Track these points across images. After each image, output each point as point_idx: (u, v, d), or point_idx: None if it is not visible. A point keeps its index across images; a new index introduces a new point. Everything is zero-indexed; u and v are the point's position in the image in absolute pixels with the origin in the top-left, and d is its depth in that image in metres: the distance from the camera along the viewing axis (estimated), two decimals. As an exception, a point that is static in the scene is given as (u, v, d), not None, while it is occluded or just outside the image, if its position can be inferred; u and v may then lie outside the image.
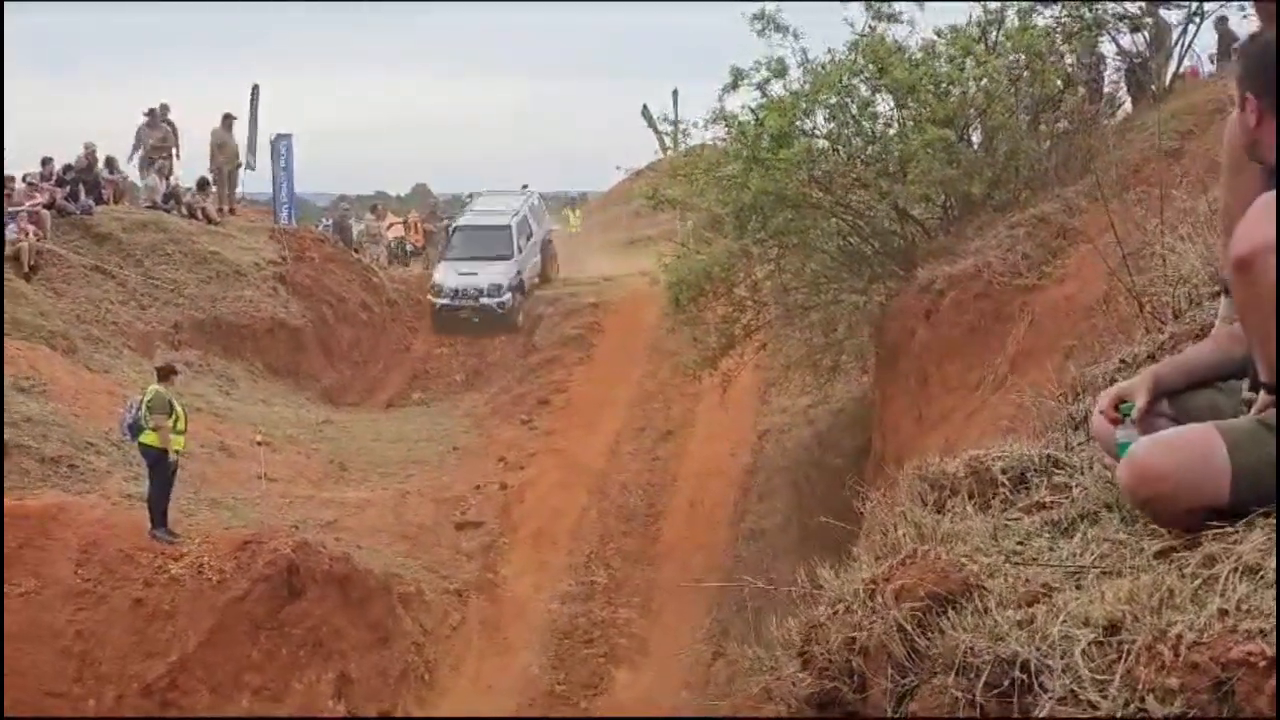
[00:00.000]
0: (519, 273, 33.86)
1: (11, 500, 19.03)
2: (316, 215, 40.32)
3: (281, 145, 35.68)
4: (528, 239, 35.17)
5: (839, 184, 18.71)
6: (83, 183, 29.83)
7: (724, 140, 20.87)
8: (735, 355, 21.55)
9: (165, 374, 19.51)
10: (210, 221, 31.89)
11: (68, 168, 30.05)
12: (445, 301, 32.82)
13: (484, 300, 32.60)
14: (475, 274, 32.90)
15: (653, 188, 29.23)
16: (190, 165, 33.67)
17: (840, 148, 19.09)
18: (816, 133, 19.17)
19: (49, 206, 28.03)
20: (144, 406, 18.75)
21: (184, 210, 31.69)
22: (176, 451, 18.69)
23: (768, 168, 18.23)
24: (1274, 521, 3.20)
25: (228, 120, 33.96)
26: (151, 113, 32.15)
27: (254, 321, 29.55)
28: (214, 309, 28.87)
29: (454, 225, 37.40)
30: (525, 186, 39.24)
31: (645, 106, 45.13)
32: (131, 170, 32.26)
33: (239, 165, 34.23)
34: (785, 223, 18.76)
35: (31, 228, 26.81)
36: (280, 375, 29.04)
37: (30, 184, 28.68)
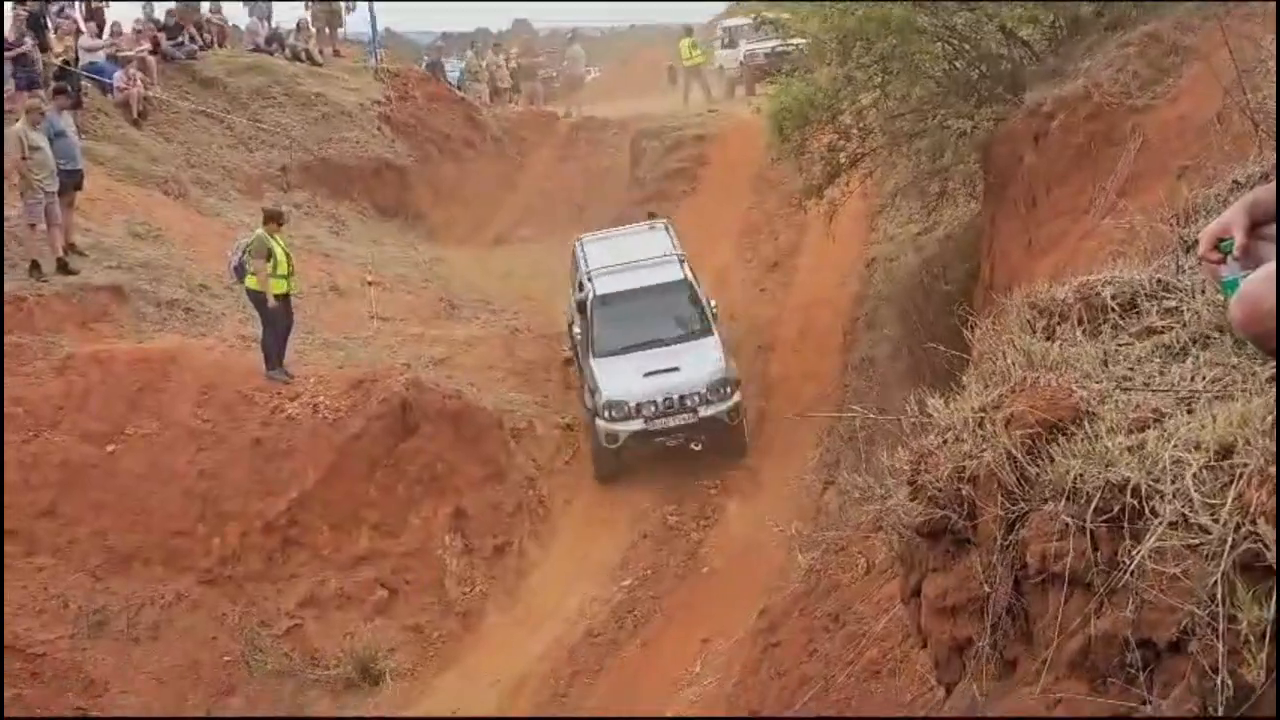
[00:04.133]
0: (731, 352, 20.41)
1: (130, 344, 19.41)
2: (417, 55, 39.93)
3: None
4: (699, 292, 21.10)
5: (944, 6, 18.38)
6: (188, 27, 29.94)
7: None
8: (841, 184, 21.34)
9: (268, 218, 19.62)
10: (314, 63, 31.94)
11: (170, 12, 30.14)
12: (637, 427, 19.09)
13: (705, 411, 19.08)
14: (676, 369, 19.33)
15: (753, 12, 28.96)
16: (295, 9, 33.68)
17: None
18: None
19: (154, 52, 28.16)
20: (245, 251, 19.00)
21: (287, 53, 31.75)
22: (274, 294, 18.89)
23: (872, -9, 18.06)
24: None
25: (325, -39, 33.90)
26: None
27: (361, 162, 29.67)
28: (321, 150, 29.02)
29: (592, 294, 20.63)
30: (652, 215, 24.16)
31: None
32: (234, 12, 32.31)
33: (341, 10, 34.11)
34: (890, 48, 18.52)
35: (139, 74, 26.97)
36: (388, 215, 29.20)
37: (137, 30, 28.80)
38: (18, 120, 20.71)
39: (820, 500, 17.69)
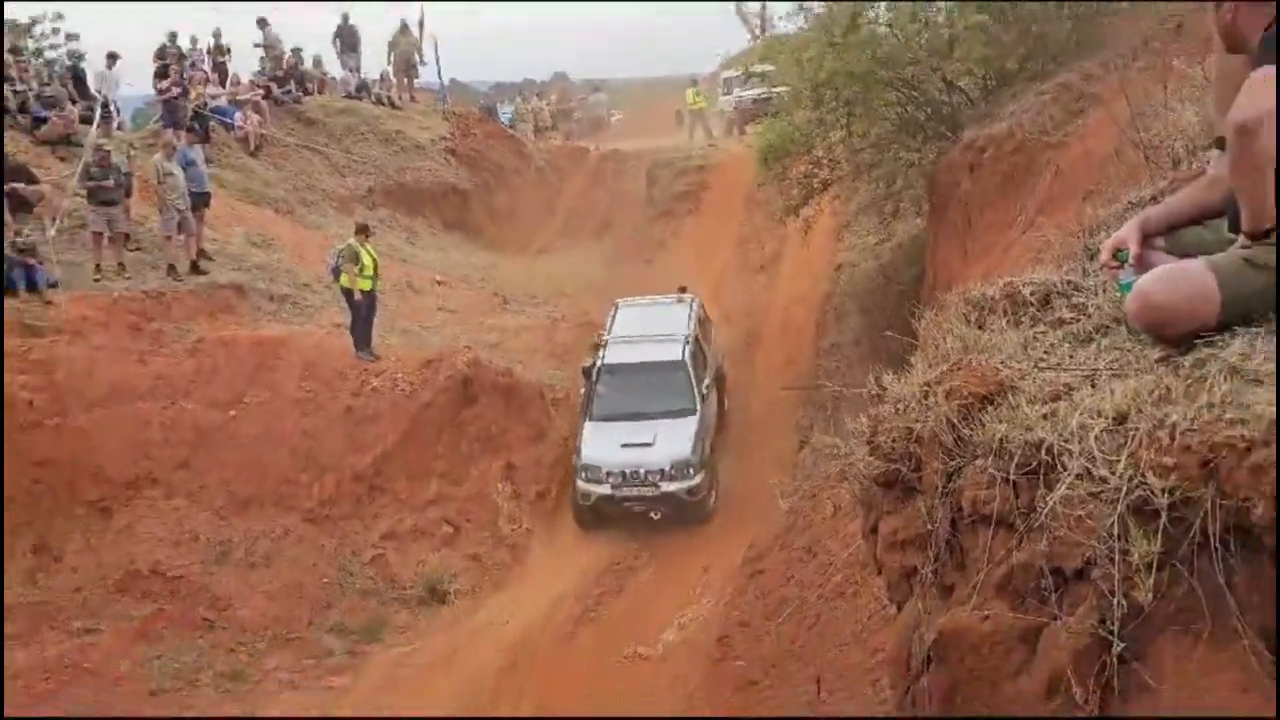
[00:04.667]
0: (704, 431, 18.17)
1: (248, 331, 19.51)
2: (476, 100, 39.92)
3: (438, 47, 35.63)
4: (706, 375, 19.14)
5: (897, 62, 18.40)
6: (293, 78, 30.02)
7: (805, 29, 20.58)
8: (814, 204, 21.42)
9: (358, 230, 19.94)
10: (394, 107, 31.98)
11: (284, 69, 30.21)
12: (604, 491, 17.54)
13: (666, 486, 17.31)
14: (649, 444, 17.60)
15: (745, 65, 29.00)
16: (374, 63, 33.70)
17: (898, 32, 18.75)
18: (879, 21, 18.85)
19: (267, 97, 28.25)
20: (340, 256, 19.21)
21: (373, 98, 31.82)
22: (361, 290, 19.02)
23: (840, 50, 18.09)
24: (1255, 330, 3.17)
25: (404, 27, 33.86)
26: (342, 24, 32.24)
27: (431, 186, 29.73)
28: (399, 176, 29.08)
29: (600, 363, 19.13)
30: (682, 290, 20.94)
31: (739, 5, 44.07)
32: (330, 66, 32.33)
33: (414, 62, 34.11)
34: (853, 95, 18.61)
35: (255, 115, 27.06)
36: (452, 228, 29.24)
37: (253, 81, 28.89)
38: (157, 153, 20.85)
39: (797, 457, 17.75)
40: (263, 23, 30.42)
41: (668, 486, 17.19)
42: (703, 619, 14.37)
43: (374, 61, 33.37)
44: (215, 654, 15.76)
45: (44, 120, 22.65)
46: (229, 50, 29.44)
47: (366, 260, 19.05)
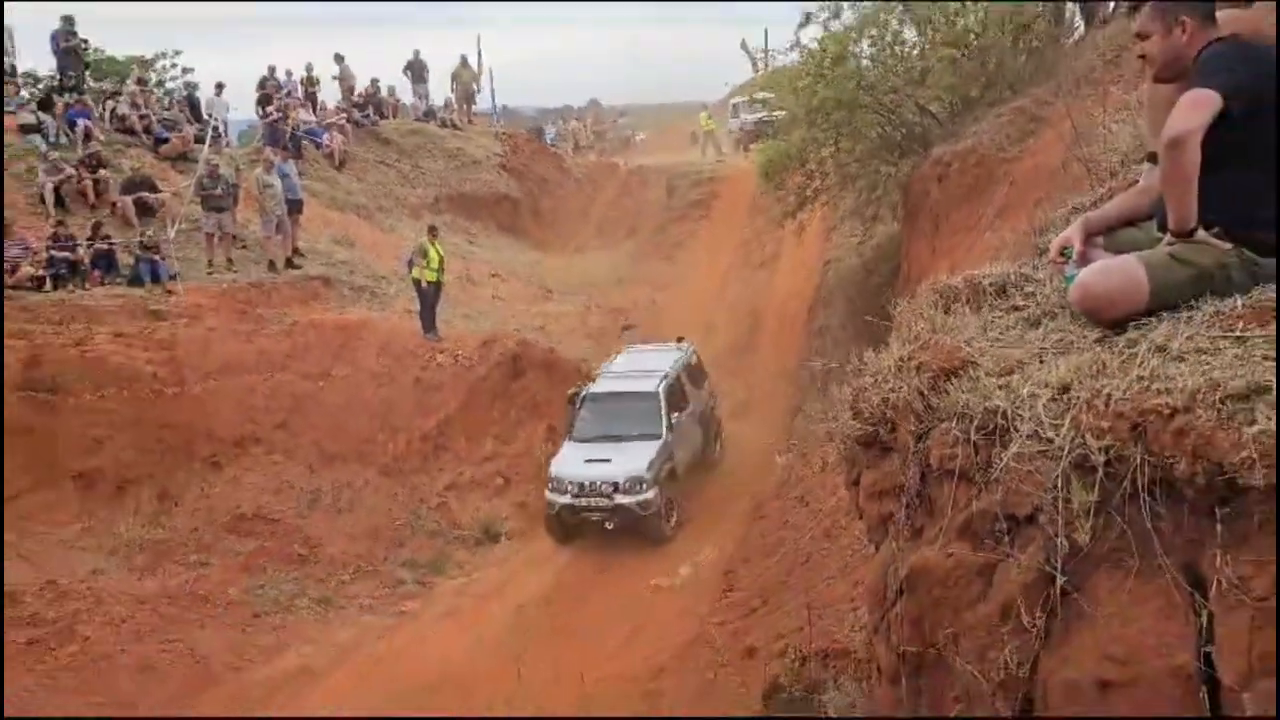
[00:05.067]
0: (669, 458, 16.63)
1: (334, 315, 19.57)
2: (524, 123, 39.85)
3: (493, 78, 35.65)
4: (684, 411, 17.51)
5: (878, 90, 18.29)
6: (371, 104, 30.01)
7: (799, 62, 20.45)
8: (807, 210, 21.30)
9: (429, 231, 20.03)
10: (455, 128, 31.94)
11: (362, 96, 30.22)
12: (566, 500, 16.06)
13: (620, 498, 15.87)
14: (609, 460, 16.24)
15: (749, 93, 28.88)
16: (438, 91, 33.65)
17: (879, 65, 18.64)
18: (862, 54, 18.74)
19: (349, 121, 28.28)
20: (412, 253, 19.30)
21: (438, 121, 31.80)
22: (427, 281, 19.12)
23: (829, 80, 18.01)
24: (1178, 315, 3.15)
25: (464, 61, 33.82)
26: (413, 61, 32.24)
27: (487, 195, 29.69)
28: (460, 187, 29.06)
29: (584, 391, 17.64)
30: (680, 340, 19.48)
31: (743, 40, 43.80)
32: (402, 94, 32.30)
33: (473, 91, 34.07)
34: (840, 118, 18.49)
35: (340, 136, 27.08)
36: (505, 231, 29.21)
37: (338, 107, 28.91)
38: (258, 168, 20.93)
39: (791, 423, 17.72)
40: (339, 58, 30.39)
41: (621, 499, 15.68)
42: (715, 560, 14.38)
43: (439, 90, 33.37)
44: (308, 583, 15.83)
45: (165, 140, 22.71)
46: (318, 81, 29.47)
47: (433, 256, 19.11)
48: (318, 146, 26.30)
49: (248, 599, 15.35)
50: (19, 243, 18.22)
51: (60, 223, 18.90)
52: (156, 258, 19.00)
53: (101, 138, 21.55)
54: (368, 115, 29.27)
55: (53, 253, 18.27)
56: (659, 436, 16.45)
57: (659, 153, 38.72)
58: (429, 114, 31.88)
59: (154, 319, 18.22)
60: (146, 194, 20.33)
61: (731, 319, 22.59)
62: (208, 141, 22.88)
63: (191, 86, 28.72)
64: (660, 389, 16.90)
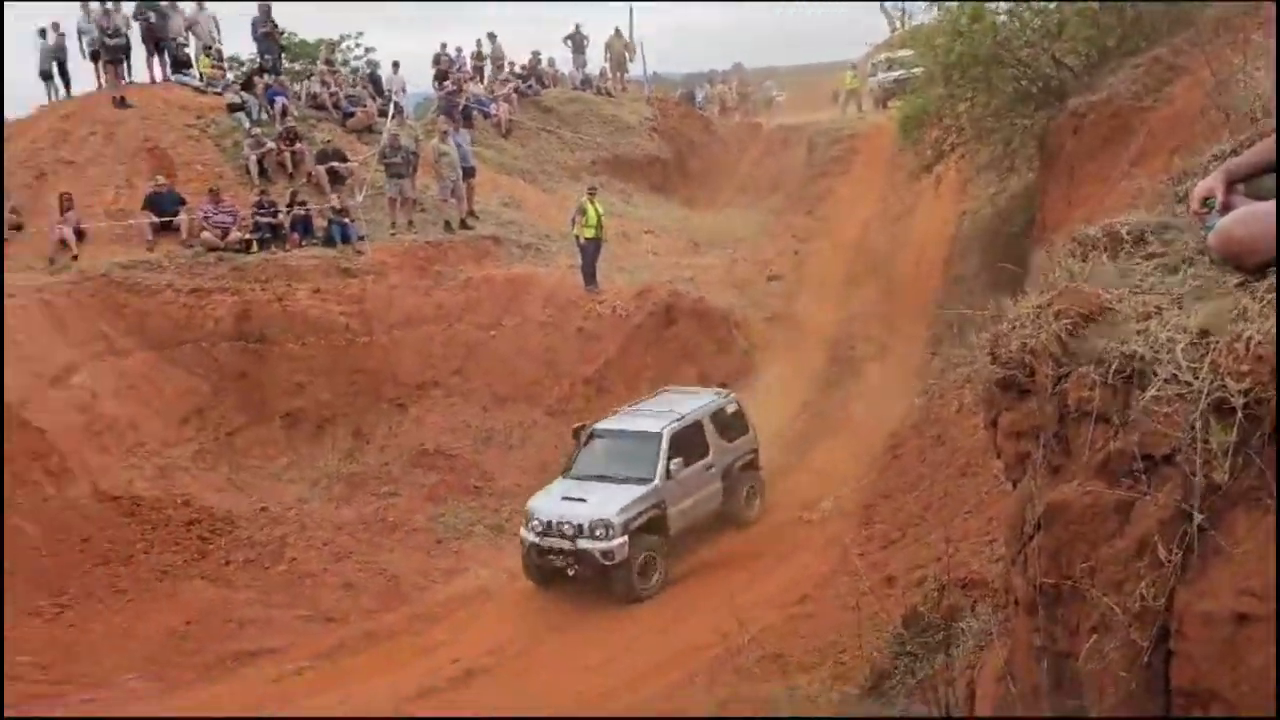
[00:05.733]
0: (655, 506, 13.63)
1: (504, 271, 19.96)
2: (672, 89, 39.54)
3: (644, 46, 35.48)
4: (698, 460, 14.26)
5: (1014, 45, 17.58)
6: (533, 75, 30.27)
7: (937, 20, 19.80)
8: (943, 164, 20.69)
9: (589, 191, 20.18)
10: (610, 95, 32.00)
11: (525, 69, 30.51)
12: (533, 539, 13.42)
13: (583, 543, 13.05)
14: (583, 500, 13.49)
15: (889, 51, 28.10)
16: (594, 61, 33.66)
17: (1015, 19, 17.89)
18: (999, 11, 18.02)
19: (515, 92, 28.60)
20: (574, 212, 19.49)
21: (594, 89, 31.89)
22: (588, 238, 19.23)
23: (966, 37, 17.40)
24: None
25: (618, 32, 33.78)
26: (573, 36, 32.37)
27: (640, 157, 29.70)
28: (615, 150, 29.13)
29: (592, 428, 14.90)
30: (723, 386, 16.62)
31: (883, 3, 42.33)
32: (562, 65, 32.45)
33: (625, 60, 34.01)
34: (977, 74, 17.86)
35: (506, 106, 27.43)
36: (656, 190, 29.19)
37: (504, 80, 29.24)
38: (434, 137, 21.39)
39: (929, 365, 17.32)
40: (492, 36, 30.59)
41: (583, 544, 13.00)
42: (854, 493, 14.25)
43: (594, 60, 33.42)
44: (483, 512, 16.33)
45: (351, 114, 23.38)
46: (487, 56, 29.85)
47: (592, 214, 19.25)
48: (486, 116, 26.71)
49: (431, 526, 15.93)
50: (228, 209, 19.08)
51: (263, 191, 19.74)
52: (347, 221, 19.67)
53: (296, 114, 22.31)
54: (530, 86, 29.55)
55: (257, 218, 19.11)
56: (648, 482, 13.59)
57: (800, 112, 38.03)
58: (586, 82, 31.99)
59: (345, 276, 18.93)
60: (337, 164, 21.02)
61: (870, 267, 22.16)
62: (390, 115, 23.46)
63: (373, 65, 29.49)
64: (664, 431, 13.98)
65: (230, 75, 24.10)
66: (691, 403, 15.02)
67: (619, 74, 33.66)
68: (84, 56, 21.81)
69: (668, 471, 13.67)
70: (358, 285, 18.83)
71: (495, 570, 14.60)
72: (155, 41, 22.32)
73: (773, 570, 13.03)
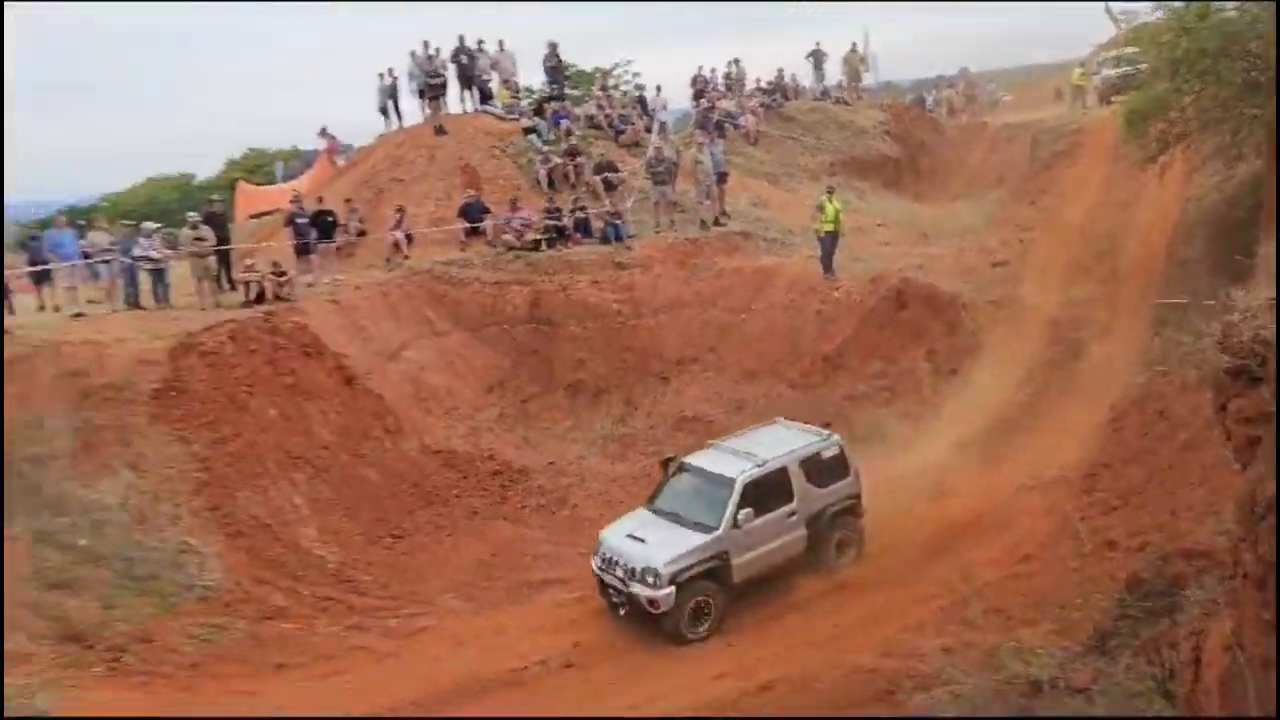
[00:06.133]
0: (715, 557, 11.60)
1: (752, 262, 19.95)
2: (902, 95, 38.04)
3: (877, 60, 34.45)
4: (779, 507, 12.08)
5: (1244, 37, 15.82)
6: (778, 89, 29.96)
7: (1162, 19, 18.10)
8: (1168, 154, 18.91)
9: (827, 190, 19.87)
10: (846, 104, 31.23)
11: (770, 84, 30.21)
12: (596, 570, 12.15)
13: (634, 586, 11.46)
14: (643, 541, 11.80)
15: (1114, 49, 25.97)
16: (832, 74, 32.92)
17: (1244, 13, 16.09)
18: (1225, 8, 16.26)
19: (762, 105, 28.41)
20: (815, 208, 19.21)
21: (831, 99, 31.22)
22: (827, 231, 18.86)
23: (1192, 33, 15.83)
24: None
25: (854, 46, 32.93)
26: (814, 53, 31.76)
27: (874, 158, 28.88)
28: (851, 152, 28.45)
29: (680, 461, 12.93)
30: (828, 426, 13.93)
31: (1108, 5, 39.04)
32: (803, 79, 31.90)
33: (860, 71, 33.07)
34: (1205, 66, 16.19)
35: (753, 117, 27.29)
36: (889, 187, 28.27)
37: (750, 95, 29.04)
38: (691, 147, 21.59)
39: (1151, 344, 15.93)
40: (735, 62, 30.28)
41: (633, 587, 11.51)
42: (1077, 462, 13.35)
43: (832, 74, 32.69)
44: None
45: (622, 131, 23.97)
46: (742, 76, 29.76)
47: (829, 211, 18.89)
48: (736, 127, 26.65)
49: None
50: (523, 215, 20.06)
51: (551, 199, 20.67)
52: (619, 222, 20.30)
53: (577, 133, 23.13)
54: (775, 99, 29.26)
55: (546, 221, 20.03)
56: (711, 530, 11.74)
57: (1024, 110, 35.74)
58: (825, 94, 31.36)
59: (618, 269, 19.54)
60: (610, 174, 21.69)
61: (1094, 253, 20.59)
62: (655, 131, 23.86)
63: (640, 88, 30.02)
64: (741, 478, 11.97)
65: (524, 103, 25.21)
66: (786, 444, 12.80)
67: (854, 85, 32.78)
68: (413, 94, 23.40)
69: (735, 521, 11.72)
70: (628, 276, 19.40)
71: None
72: (467, 79, 23.69)
73: (999, 531, 12.46)
